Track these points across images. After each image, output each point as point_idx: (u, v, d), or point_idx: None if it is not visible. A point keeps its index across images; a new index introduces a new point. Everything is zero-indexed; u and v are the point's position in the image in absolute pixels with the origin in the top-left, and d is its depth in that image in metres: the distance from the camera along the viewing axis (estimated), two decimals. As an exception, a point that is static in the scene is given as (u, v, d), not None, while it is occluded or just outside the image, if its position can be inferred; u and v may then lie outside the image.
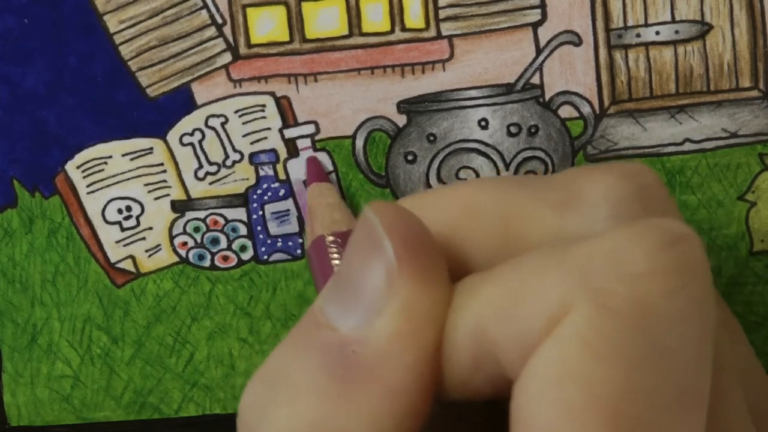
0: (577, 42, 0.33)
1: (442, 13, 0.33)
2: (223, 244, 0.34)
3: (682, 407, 0.16)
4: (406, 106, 0.33)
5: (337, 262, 0.26)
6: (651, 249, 0.16)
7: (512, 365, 0.17)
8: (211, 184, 0.34)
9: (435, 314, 0.18)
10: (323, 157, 0.34)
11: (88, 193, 0.34)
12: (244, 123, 0.34)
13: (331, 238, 0.27)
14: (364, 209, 0.19)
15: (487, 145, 0.33)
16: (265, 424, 0.18)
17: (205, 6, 0.33)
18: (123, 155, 0.34)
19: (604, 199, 0.19)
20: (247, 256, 0.34)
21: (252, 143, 0.34)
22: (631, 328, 0.16)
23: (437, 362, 0.18)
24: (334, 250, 0.26)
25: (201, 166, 0.34)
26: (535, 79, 0.33)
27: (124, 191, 0.34)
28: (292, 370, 0.18)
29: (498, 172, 0.33)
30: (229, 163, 0.34)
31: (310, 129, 0.34)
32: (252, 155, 0.34)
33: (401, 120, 0.33)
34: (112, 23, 0.33)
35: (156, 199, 0.34)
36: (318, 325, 0.19)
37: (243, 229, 0.34)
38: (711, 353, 0.17)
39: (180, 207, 0.34)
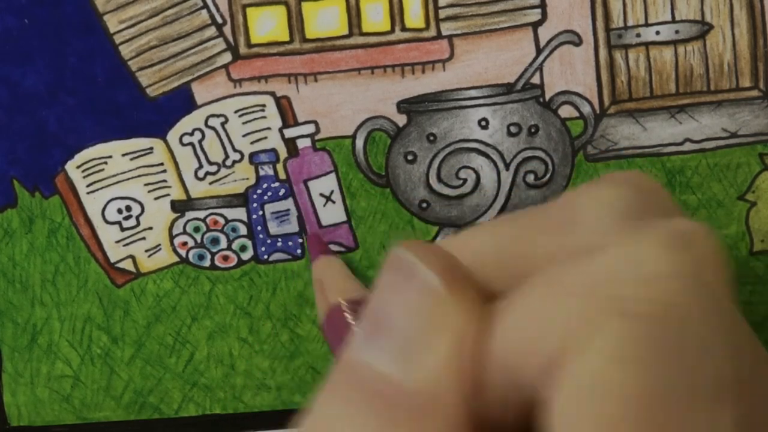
0: (577, 42, 0.33)
1: (442, 13, 0.33)
2: (223, 244, 0.34)
3: (719, 401, 0.16)
4: (406, 105, 0.33)
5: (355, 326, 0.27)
6: (667, 250, 0.16)
7: (538, 389, 0.17)
8: (211, 184, 0.34)
9: (481, 343, 0.17)
10: (323, 157, 0.34)
11: (88, 193, 0.34)
12: (244, 123, 0.34)
13: (346, 305, 0.27)
14: (391, 251, 0.18)
15: (487, 144, 0.33)
16: None
17: (205, 6, 0.33)
18: (123, 155, 0.34)
19: (605, 213, 0.18)
20: (247, 255, 0.34)
21: (252, 143, 0.34)
22: (658, 331, 0.16)
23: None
24: (351, 316, 0.27)
25: (201, 166, 0.34)
26: (535, 79, 0.33)
27: (124, 191, 0.34)
28: (338, 420, 0.18)
29: (498, 172, 0.33)
30: (229, 163, 0.34)
31: (310, 129, 0.34)
32: (252, 155, 0.34)
33: (401, 120, 0.33)
34: (112, 23, 0.33)
35: (156, 199, 0.34)
36: (358, 371, 0.18)
37: (243, 229, 0.34)
38: (746, 338, 0.17)
39: (180, 207, 0.34)
